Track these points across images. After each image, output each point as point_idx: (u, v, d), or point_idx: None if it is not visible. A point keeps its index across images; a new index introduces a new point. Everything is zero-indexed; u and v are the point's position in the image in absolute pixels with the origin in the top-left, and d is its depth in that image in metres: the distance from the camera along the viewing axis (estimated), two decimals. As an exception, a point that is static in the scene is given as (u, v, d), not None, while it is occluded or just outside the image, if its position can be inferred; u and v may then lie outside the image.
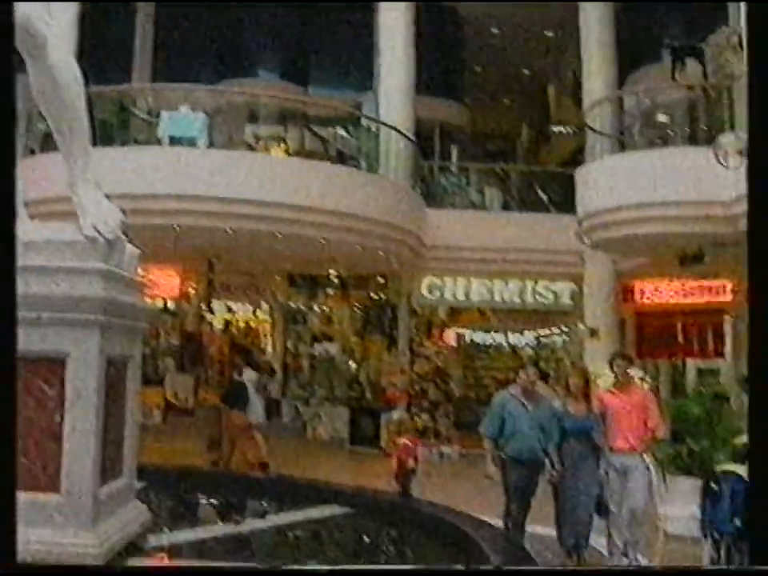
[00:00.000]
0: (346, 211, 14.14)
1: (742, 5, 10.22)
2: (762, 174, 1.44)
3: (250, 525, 8.84)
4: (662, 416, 8.85)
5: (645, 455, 8.53)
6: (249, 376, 13.20)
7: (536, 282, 19.11)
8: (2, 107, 1.59)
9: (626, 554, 8.27)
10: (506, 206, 20.74)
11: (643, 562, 8.10)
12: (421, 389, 17.63)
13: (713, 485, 7.77)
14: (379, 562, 7.83)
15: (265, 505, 9.31)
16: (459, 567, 4.19)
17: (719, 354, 18.42)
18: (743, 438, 9.05)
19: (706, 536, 7.85)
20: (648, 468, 8.58)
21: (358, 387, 19.31)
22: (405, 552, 8.70)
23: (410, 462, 9.14)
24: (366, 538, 8.99)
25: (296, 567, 3.87)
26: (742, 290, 14.05)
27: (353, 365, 20.29)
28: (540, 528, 8.79)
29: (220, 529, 8.43)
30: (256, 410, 12.83)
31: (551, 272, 18.72)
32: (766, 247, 1.52)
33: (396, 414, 9.67)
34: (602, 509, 8.29)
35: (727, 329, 18.07)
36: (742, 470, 7.90)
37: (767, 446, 1.35)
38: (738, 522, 7.62)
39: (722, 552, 8.11)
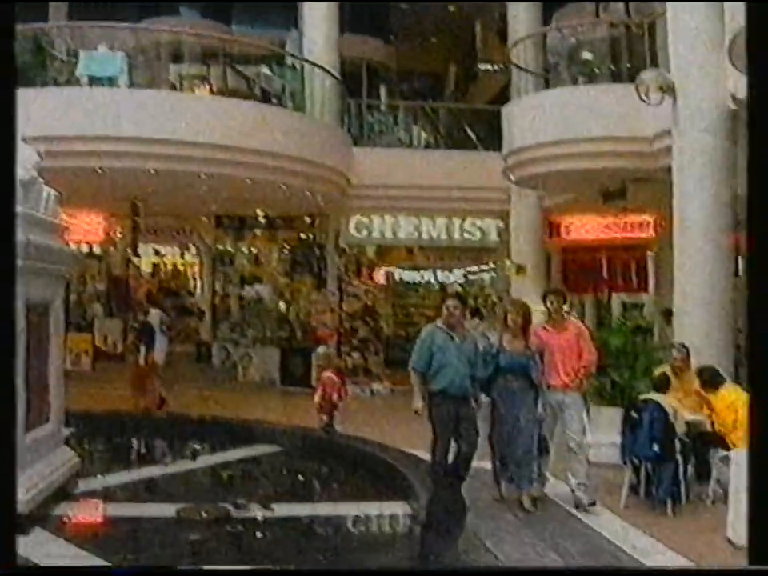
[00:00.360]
0: (272, 150, 13.98)
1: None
2: (762, 174, 1.45)
3: (182, 466, 8.90)
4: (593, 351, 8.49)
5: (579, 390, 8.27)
6: (153, 316, 13.08)
7: (463, 220, 19.20)
8: (1, 107, 1.56)
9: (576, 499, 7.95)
10: (434, 144, 20.73)
11: (585, 499, 7.85)
12: (350, 327, 17.68)
13: (633, 413, 8.01)
14: (309, 498, 7.97)
15: (197, 446, 9.37)
16: (459, 567, 4.17)
17: (643, 288, 18.81)
18: (664, 368, 9.32)
19: (626, 462, 8.11)
20: (584, 402, 8.36)
21: (287, 327, 19.28)
22: (333, 487, 8.85)
23: (334, 396, 9.25)
24: (296, 475, 9.11)
25: (297, 567, 3.89)
26: (664, 225, 14.29)
27: (282, 305, 20.25)
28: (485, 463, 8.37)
29: (151, 471, 8.46)
30: (159, 351, 12.73)
31: (478, 209, 18.80)
32: (766, 247, 1.53)
33: (321, 349, 9.68)
34: (541, 447, 8.02)
35: (650, 264, 18.42)
36: (660, 398, 8.16)
37: (767, 446, 1.41)
38: (656, 447, 7.89)
39: (642, 477, 8.41)
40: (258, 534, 6.50)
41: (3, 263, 1.49)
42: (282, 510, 6.77)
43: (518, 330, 8.03)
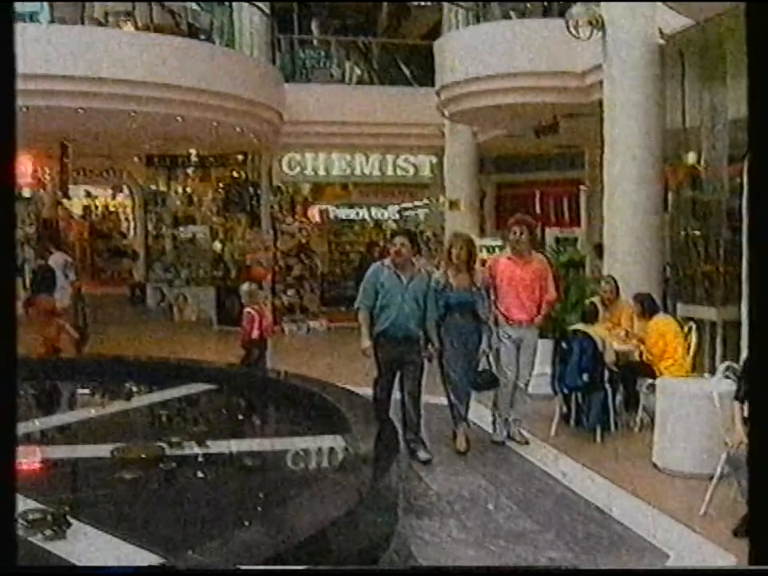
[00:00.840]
0: (201, 87, 13.69)
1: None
2: (762, 174, 1.46)
3: (117, 407, 8.86)
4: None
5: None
6: (56, 260, 12.87)
7: (397, 156, 19.18)
8: (1, 107, 1.50)
9: (508, 430, 8.10)
10: (367, 80, 20.55)
11: (526, 433, 8.06)
12: (285, 265, 17.68)
13: (563, 345, 8.17)
14: (245, 434, 8.02)
15: (132, 387, 9.32)
16: (459, 567, 4.17)
17: (575, 222, 19.07)
18: (593, 300, 9.50)
19: (556, 392, 8.30)
20: (537, 338, 8.23)
21: (222, 267, 19.18)
22: (269, 423, 8.91)
23: (254, 332, 9.27)
24: (232, 412, 9.15)
25: (296, 567, 3.89)
26: (596, 160, 14.43)
27: (216, 245, 20.09)
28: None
29: (85, 413, 8.41)
30: (63, 294, 12.54)
31: (412, 145, 18.78)
32: (766, 247, 1.54)
33: (244, 287, 9.62)
34: (488, 382, 7.88)
35: (583, 198, 18.63)
36: (589, 329, 8.33)
37: (767, 446, 1.42)
38: (585, 377, 8.08)
39: (572, 406, 8.63)
40: (193, 471, 6.53)
41: (3, 262, 1.46)
42: (217, 446, 6.80)
43: (463, 265, 7.80)
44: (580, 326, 8.42)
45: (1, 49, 1.58)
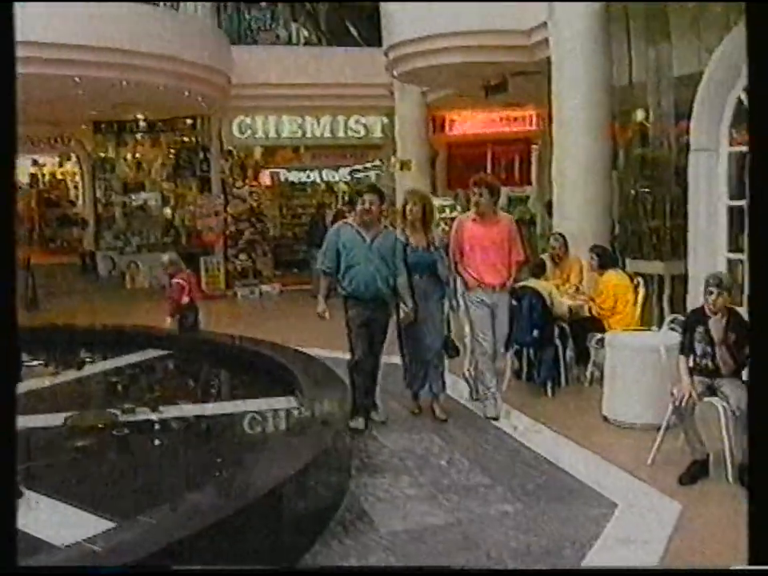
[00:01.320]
0: (147, 51, 13.50)
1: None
2: (762, 173, 1.46)
3: (69, 376, 8.81)
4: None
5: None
6: None
7: (347, 118, 19.11)
8: (1, 107, 1.48)
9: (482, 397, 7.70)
10: (315, 41, 20.39)
11: (500, 402, 7.58)
12: (237, 230, 17.58)
13: (513, 301, 8.23)
14: (198, 398, 8.02)
15: (84, 355, 9.27)
16: (459, 568, 4.18)
17: (526, 181, 19.16)
18: (542, 257, 9.58)
19: (507, 349, 8.37)
20: (510, 303, 7.87)
21: (173, 233, 19.06)
22: (222, 386, 8.93)
23: (184, 298, 9.27)
24: (185, 377, 9.15)
25: (295, 567, 3.89)
26: (546, 118, 14.47)
27: (167, 211, 19.92)
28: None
29: (37, 383, 8.34)
30: None
31: (362, 106, 18.72)
32: (766, 246, 1.55)
33: (165, 256, 9.61)
34: (449, 348, 7.58)
35: (534, 157, 18.73)
36: (538, 284, 8.42)
37: (767, 446, 1.45)
38: (535, 333, 8.18)
39: (524, 362, 8.73)
40: (147, 437, 6.53)
41: (3, 262, 1.45)
42: (170, 411, 6.81)
43: (419, 223, 7.48)
44: (529, 282, 8.49)
45: (1, 49, 1.57)
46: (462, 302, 7.70)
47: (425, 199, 7.73)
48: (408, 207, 7.57)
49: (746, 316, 6.68)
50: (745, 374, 6.09)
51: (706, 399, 6.04)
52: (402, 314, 7.38)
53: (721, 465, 5.93)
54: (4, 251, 1.43)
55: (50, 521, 4.52)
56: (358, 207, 7.36)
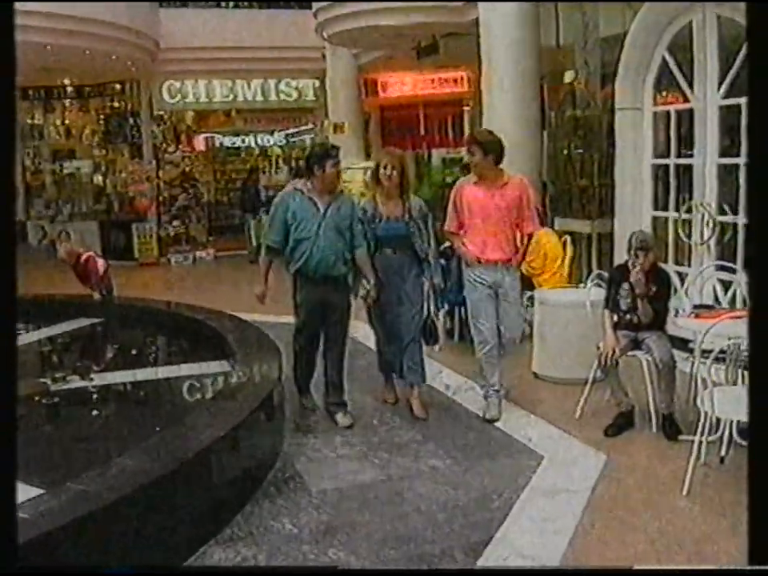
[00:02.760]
0: (71, 14, 13.26)
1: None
2: (762, 173, 1.48)
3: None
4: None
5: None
6: None
7: (279, 81, 18.98)
8: (2, 107, 1.44)
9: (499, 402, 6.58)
10: (244, 4, 20.13)
11: (502, 401, 6.58)
12: (170, 196, 17.40)
13: (442, 261, 8.28)
14: (130, 365, 7.99)
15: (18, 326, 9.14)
16: (460, 569, 4.16)
17: (460, 142, 19.21)
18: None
19: (439, 309, 8.43)
20: (518, 283, 6.75)
21: (105, 200, 18.80)
22: (155, 352, 8.90)
23: (100, 268, 9.24)
24: (117, 344, 9.09)
25: (296, 567, 3.87)
26: (476, 79, 14.52)
27: (99, 178, 19.64)
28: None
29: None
30: None
31: (294, 69, 18.62)
32: (766, 245, 1.57)
33: (62, 233, 9.67)
34: (429, 333, 6.71)
35: (467, 118, 18.79)
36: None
37: (767, 444, 1.48)
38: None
39: (456, 322, 8.84)
40: (78, 405, 6.51)
41: (3, 261, 1.43)
42: (102, 378, 6.78)
43: (395, 189, 6.46)
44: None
45: (1, 48, 1.55)
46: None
47: (401, 160, 6.59)
48: (384, 172, 6.43)
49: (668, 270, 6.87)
50: (667, 328, 6.28)
51: (630, 353, 6.20)
52: (361, 291, 6.50)
53: (645, 416, 6.11)
54: (4, 250, 1.43)
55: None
56: (320, 171, 6.20)
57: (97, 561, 3.75)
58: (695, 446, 4.99)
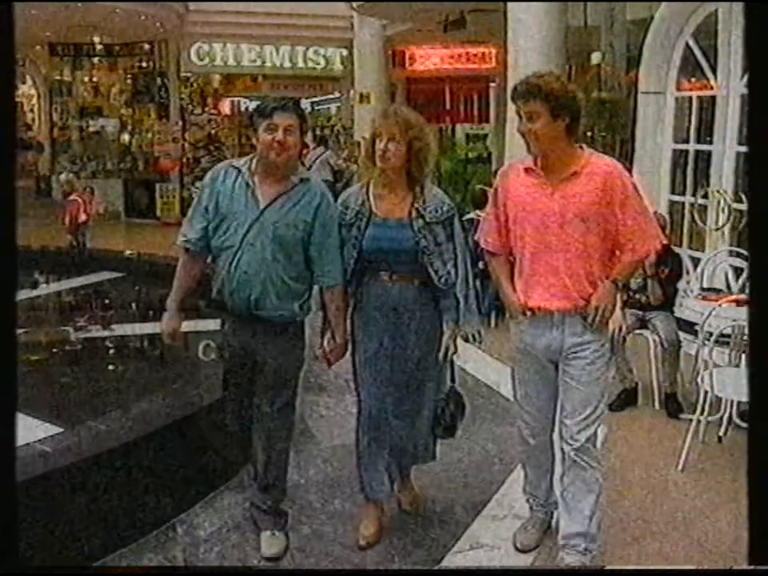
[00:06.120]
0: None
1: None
2: (761, 173, 1.56)
3: (24, 295, 8.92)
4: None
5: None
6: None
7: (307, 48, 19.00)
8: (2, 107, 1.56)
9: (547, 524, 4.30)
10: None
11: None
12: (194, 157, 17.55)
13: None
14: (148, 317, 8.16)
15: (38, 276, 9.36)
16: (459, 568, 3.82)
17: (485, 119, 19.28)
18: (483, 187, 9.71)
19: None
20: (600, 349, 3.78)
21: (130, 159, 18.96)
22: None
23: (81, 216, 9.43)
24: (137, 297, 9.28)
25: (296, 568, 3.95)
26: (503, 56, 14.56)
27: (124, 136, 19.77)
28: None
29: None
30: None
31: (322, 37, 18.62)
32: (766, 245, 1.64)
33: (63, 176, 9.84)
34: (446, 423, 4.22)
35: (492, 94, 18.82)
36: (481, 213, 8.57)
37: (767, 446, 1.57)
38: (481, 264, 8.36)
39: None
40: (98, 353, 6.70)
41: (3, 261, 1.55)
42: (122, 329, 6.96)
43: (396, 174, 3.96)
44: (472, 215, 8.65)
45: (1, 49, 1.68)
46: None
47: (413, 129, 3.94)
48: (380, 145, 3.91)
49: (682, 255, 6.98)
50: (674, 309, 6.41)
51: (637, 331, 6.35)
52: (327, 345, 4.12)
53: (648, 393, 6.27)
54: (4, 252, 1.55)
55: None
56: (261, 137, 3.78)
57: (117, 496, 3.93)
58: (693, 423, 5.14)
